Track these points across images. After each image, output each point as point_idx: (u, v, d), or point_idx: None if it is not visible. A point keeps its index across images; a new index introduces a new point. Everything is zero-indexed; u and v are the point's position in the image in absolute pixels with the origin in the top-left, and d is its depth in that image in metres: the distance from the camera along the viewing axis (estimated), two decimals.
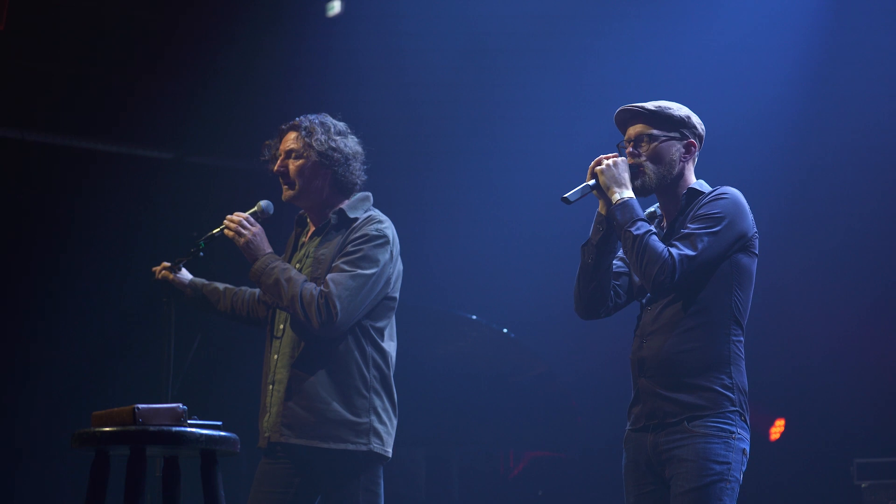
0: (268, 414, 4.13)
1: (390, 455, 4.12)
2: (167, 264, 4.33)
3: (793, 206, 6.89)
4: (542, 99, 7.09)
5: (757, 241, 3.62)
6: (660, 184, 3.65)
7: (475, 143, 7.45)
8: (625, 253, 3.59)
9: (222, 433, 3.32)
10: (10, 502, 6.83)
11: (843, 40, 6.66)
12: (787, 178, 6.84)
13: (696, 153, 3.71)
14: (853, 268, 6.96)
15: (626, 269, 3.76)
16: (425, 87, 7.03)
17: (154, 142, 7.39)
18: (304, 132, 4.20)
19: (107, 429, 3.25)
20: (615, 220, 3.55)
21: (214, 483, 3.36)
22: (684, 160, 3.67)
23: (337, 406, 4.04)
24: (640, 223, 3.52)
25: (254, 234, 4.11)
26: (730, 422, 3.51)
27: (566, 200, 3.59)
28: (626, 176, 3.59)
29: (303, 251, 4.26)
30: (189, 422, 3.27)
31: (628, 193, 3.57)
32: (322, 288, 4.02)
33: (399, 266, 4.22)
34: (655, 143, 3.65)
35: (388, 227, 4.18)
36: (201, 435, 3.27)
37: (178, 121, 7.12)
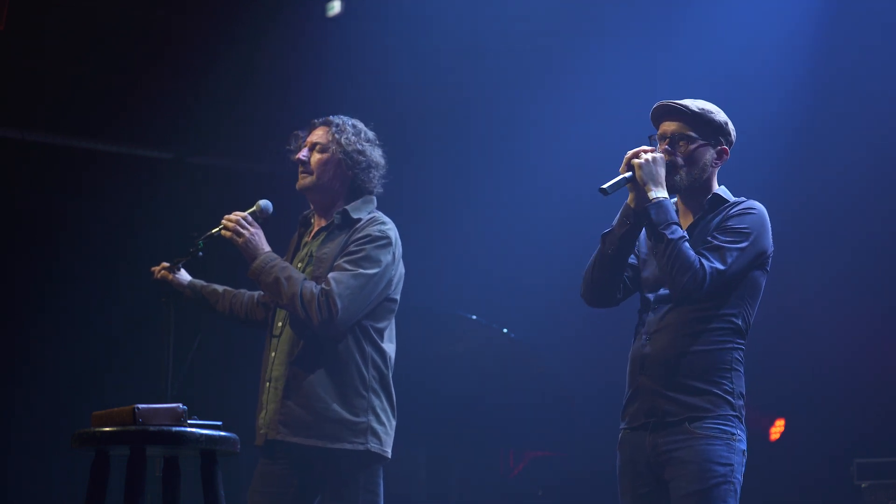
0: (264, 411, 4.13)
1: (389, 455, 4.12)
2: (166, 264, 4.34)
3: (794, 210, 6.88)
4: (544, 100, 7.09)
5: (771, 259, 3.64)
6: (689, 186, 3.65)
7: (476, 144, 7.45)
8: (655, 253, 3.55)
9: (222, 433, 3.33)
10: (10, 502, 6.83)
11: (849, 47, 6.66)
12: (792, 186, 6.84)
13: (725, 160, 3.71)
14: (854, 269, 6.95)
15: (635, 262, 3.76)
16: (425, 88, 7.03)
17: (154, 142, 7.39)
18: (335, 128, 4.22)
19: (107, 429, 3.25)
20: (648, 219, 3.53)
21: (214, 483, 3.36)
22: (714, 165, 3.68)
23: (335, 405, 4.04)
24: (674, 227, 3.50)
25: (252, 234, 4.12)
26: (730, 424, 3.53)
27: (604, 191, 3.55)
28: (663, 174, 3.57)
29: (305, 251, 4.27)
30: (189, 422, 3.27)
31: (663, 193, 3.54)
32: (323, 286, 4.02)
33: (401, 268, 4.22)
34: (693, 146, 3.64)
35: (391, 229, 4.19)
36: (201, 435, 3.27)
37: (178, 121, 7.11)
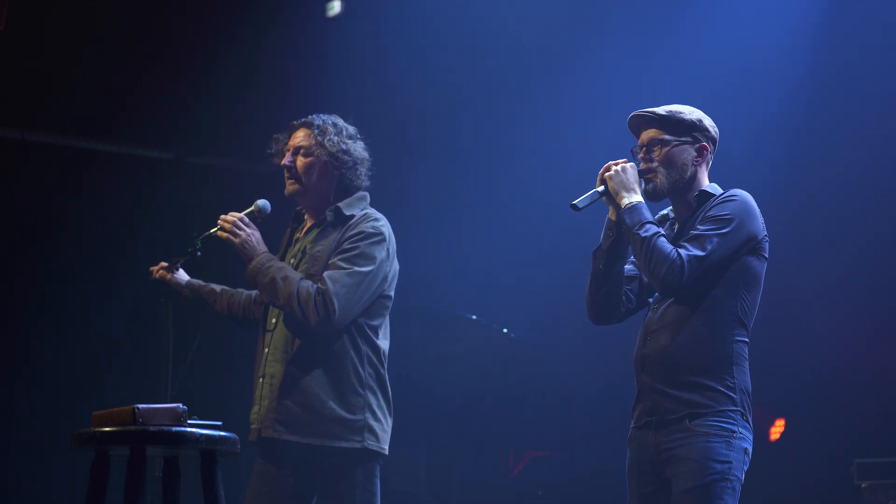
0: (258, 406, 4.13)
1: (386, 453, 4.12)
2: (165, 264, 4.34)
3: (794, 210, 6.89)
4: (545, 101, 7.09)
5: (767, 244, 3.64)
6: (672, 188, 3.68)
7: (476, 144, 7.45)
8: (634, 255, 3.61)
9: (222, 433, 3.32)
10: (10, 502, 6.83)
11: (850, 47, 6.66)
12: (793, 186, 6.85)
13: (710, 156, 3.73)
14: (854, 269, 6.96)
15: (637, 273, 3.79)
16: (425, 88, 7.03)
17: (154, 142, 7.39)
18: (316, 131, 4.20)
19: (107, 429, 3.25)
20: (624, 224, 3.58)
21: (214, 483, 3.36)
22: (696, 164, 3.69)
23: (332, 403, 4.04)
24: (647, 225, 3.54)
25: (248, 235, 4.11)
26: (731, 421, 3.52)
27: (575, 207, 3.61)
28: (634, 181, 3.62)
29: (297, 246, 4.26)
30: (189, 422, 3.26)
31: (637, 198, 3.59)
32: (319, 285, 4.02)
33: (395, 265, 4.21)
34: (667, 148, 3.67)
35: (385, 225, 4.18)
36: (201, 435, 3.27)
37: (178, 121, 7.11)
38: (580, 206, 3.61)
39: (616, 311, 3.76)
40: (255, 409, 4.14)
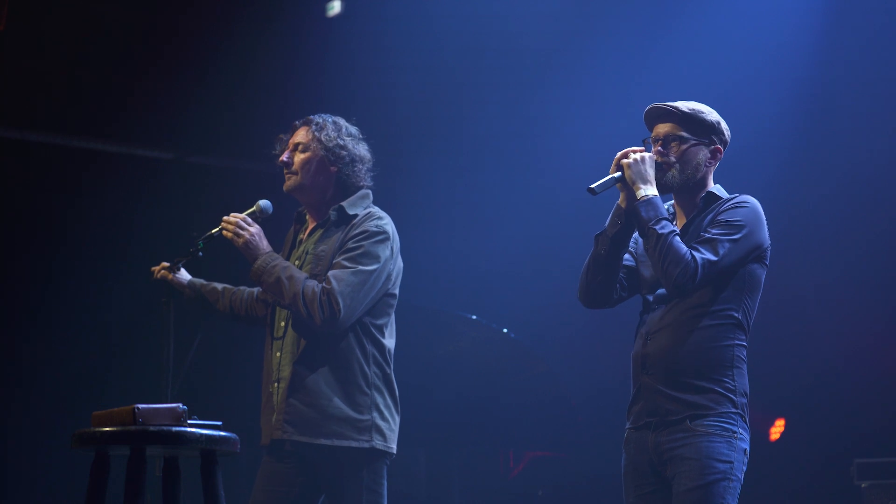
0: (274, 413, 4.13)
1: (394, 452, 4.12)
2: (166, 264, 4.34)
3: (795, 210, 6.89)
4: (545, 99, 7.09)
5: (769, 252, 3.65)
6: (682, 185, 3.68)
7: (476, 143, 7.45)
8: (646, 250, 3.59)
9: (222, 433, 3.33)
10: (10, 502, 6.83)
11: (852, 47, 6.66)
12: (794, 186, 6.85)
13: (720, 158, 3.72)
14: (855, 269, 6.95)
15: (633, 263, 3.78)
16: (425, 87, 7.03)
17: (153, 142, 7.39)
18: (315, 127, 4.23)
19: (107, 429, 3.25)
20: (638, 216, 3.56)
21: (214, 483, 3.36)
22: (708, 165, 3.70)
23: (339, 403, 4.05)
24: (664, 222, 3.53)
25: (252, 234, 4.12)
26: (731, 422, 3.53)
27: (592, 191, 3.58)
28: (652, 172, 3.60)
29: (301, 248, 4.27)
30: (189, 422, 3.27)
31: (653, 191, 3.57)
32: (324, 285, 4.03)
33: (399, 263, 4.23)
34: (686, 146, 3.66)
35: (388, 224, 4.19)
36: (201, 435, 3.27)
37: (178, 121, 7.12)
38: (597, 190, 3.59)
39: (609, 297, 3.75)
40: (273, 415, 4.14)
